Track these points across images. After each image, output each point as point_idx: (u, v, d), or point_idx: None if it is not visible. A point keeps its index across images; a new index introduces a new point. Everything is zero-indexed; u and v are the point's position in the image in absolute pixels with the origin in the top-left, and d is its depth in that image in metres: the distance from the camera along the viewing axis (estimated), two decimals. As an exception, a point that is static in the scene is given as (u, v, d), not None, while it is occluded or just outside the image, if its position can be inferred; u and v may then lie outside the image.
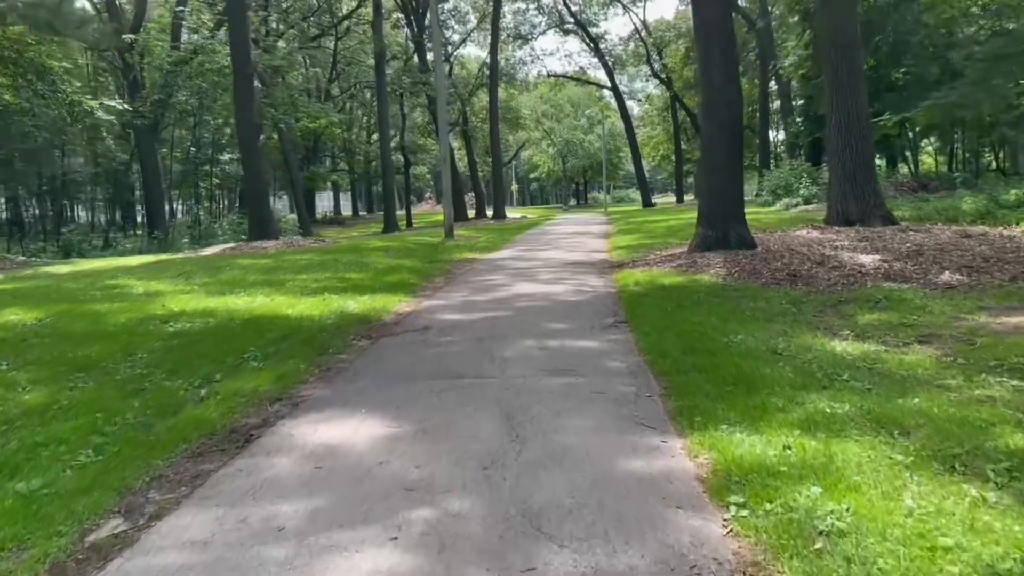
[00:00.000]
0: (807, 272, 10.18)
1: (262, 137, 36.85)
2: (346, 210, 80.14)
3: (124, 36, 22.53)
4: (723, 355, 5.94)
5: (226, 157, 31.67)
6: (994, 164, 36.76)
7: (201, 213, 28.56)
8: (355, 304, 8.98)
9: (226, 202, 45.89)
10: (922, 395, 4.85)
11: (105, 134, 25.32)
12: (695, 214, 23.54)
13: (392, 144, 54.08)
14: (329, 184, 77.86)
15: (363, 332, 7.55)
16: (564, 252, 15.82)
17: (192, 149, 28.45)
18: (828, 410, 4.53)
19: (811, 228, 14.66)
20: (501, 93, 56.69)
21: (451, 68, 54.63)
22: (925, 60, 21.99)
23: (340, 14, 48.89)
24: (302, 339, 6.99)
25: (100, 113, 20.60)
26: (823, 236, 13.34)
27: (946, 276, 9.63)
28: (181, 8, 25.84)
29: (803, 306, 8.29)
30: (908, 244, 11.92)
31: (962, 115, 16.86)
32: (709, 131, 12.09)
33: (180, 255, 17.38)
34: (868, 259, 10.88)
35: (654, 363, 5.86)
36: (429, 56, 50.01)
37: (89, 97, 21.12)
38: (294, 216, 33.76)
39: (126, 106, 21.86)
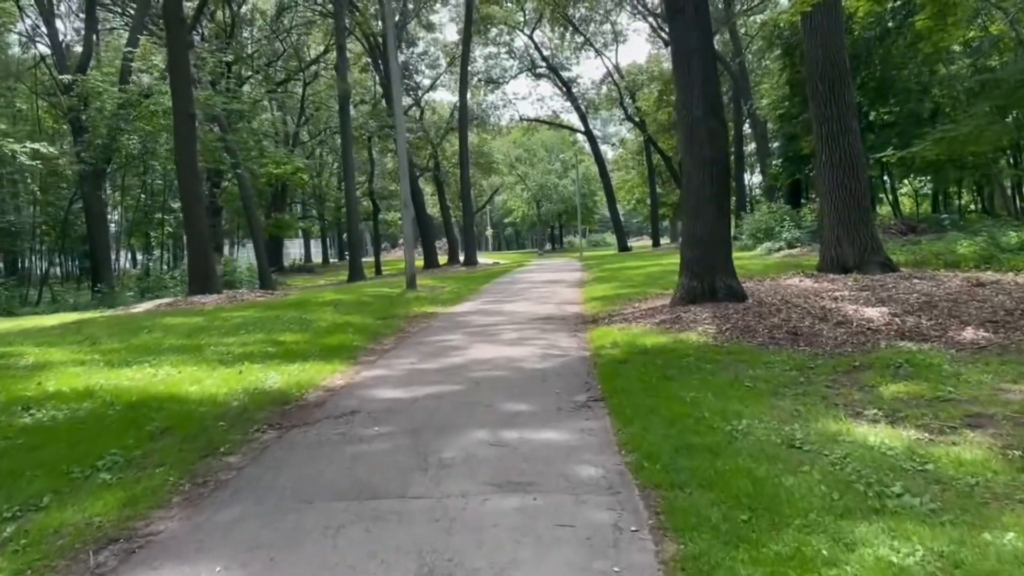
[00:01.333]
0: (809, 329, 8.83)
1: (223, 185, 35.55)
2: (317, 257, 78.64)
3: (62, 77, 21.12)
4: (729, 454, 4.51)
5: (179, 205, 30.09)
6: (974, 205, 36.24)
7: (151, 264, 26.81)
8: (277, 377, 7.46)
9: (182, 252, 44.19)
10: (1010, 520, 3.48)
11: (48, 180, 23.75)
12: (673, 260, 22.19)
13: (361, 190, 52.95)
14: (299, 231, 76.52)
15: (273, 419, 6.02)
16: (533, 304, 14.40)
17: (142, 196, 26.83)
18: (895, 560, 3.11)
19: (803, 276, 13.41)
20: (474, 138, 55.92)
21: (422, 112, 53.86)
22: (913, 96, 21.17)
23: (307, 59, 48.06)
24: (188, 433, 5.45)
25: (23, 159, 19.03)
26: (819, 285, 12.07)
27: (969, 333, 8.32)
28: (131, 49, 24.52)
29: (812, 373, 6.92)
30: (915, 294, 10.66)
31: (972, 149, 15.88)
32: (691, 169, 10.84)
33: (110, 312, 15.73)
34: (875, 312, 9.57)
35: (640, 468, 4.40)
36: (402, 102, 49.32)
37: (11, 140, 19.53)
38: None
39: (51, 150, 20.31)
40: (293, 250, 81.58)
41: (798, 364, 7.26)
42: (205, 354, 8.92)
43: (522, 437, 5.11)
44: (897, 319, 9.14)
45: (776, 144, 33.58)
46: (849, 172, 13.10)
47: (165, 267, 29.62)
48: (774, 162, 30.45)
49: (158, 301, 16.24)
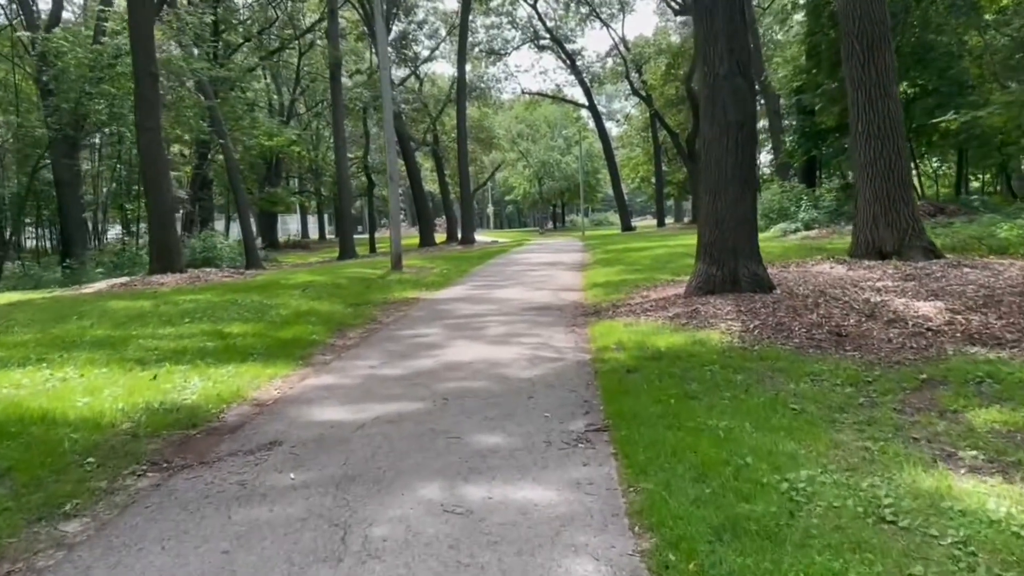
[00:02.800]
0: (856, 328, 7.29)
1: (213, 156, 33.85)
2: (316, 233, 76.96)
3: (21, 35, 19.48)
4: (795, 540, 3.01)
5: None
6: (993, 188, 34.50)
7: (126, 239, 25.14)
8: (198, 384, 5.95)
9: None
10: None
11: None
12: (682, 241, 20.64)
13: (356, 165, 51.19)
14: (297, 206, 74.85)
15: (165, 452, 4.51)
16: (528, 290, 12.85)
17: (118, 166, 25.11)
18: None
19: (833, 261, 11.83)
20: (474, 112, 54.04)
21: (421, 84, 51.96)
22: (955, 61, 19.40)
23: (303, 27, 46.10)
24: (33, 477, 3.94)
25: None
26: (854, 273, 10.51)
27: (1056, 336, 6.79)
28: (104, 8, 22.77)
29: (872, 391, 5.43)
30: (972, 286, 9.10)
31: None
32: (712, 136, 9.24)
33: (59, 292, 14.23)
34: (930, 308, 8.03)
35: (664, 568, 2.89)
36: (395, 75, 47.35)
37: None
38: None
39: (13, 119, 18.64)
40: (293, 226, 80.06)
41: (851, 376, 5.75)
42: (127, 350, 7.40)
43: (491, 497, 3.60)
44: (959, 317, 7.60)
45: (790, 120, 31.82)
46: (888, 143, 11.49)
47: (142, 241, 27.98)
48: (789, 138, 28.64)
49: (115, 280, 14.71)
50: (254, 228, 65.93)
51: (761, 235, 23.66)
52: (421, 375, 6.36)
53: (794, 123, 29.52)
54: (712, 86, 9.18)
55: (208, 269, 17.12)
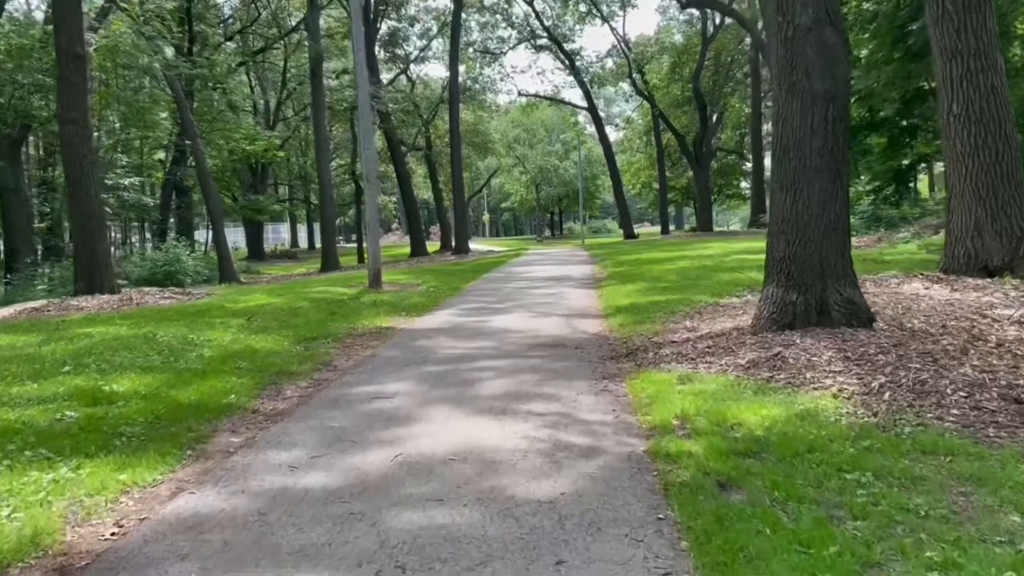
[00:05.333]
0: (1043, 391, 4.75)
1: (188, 161, 31.26)
2: (306, 242, 74.22)
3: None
4: None
5: (125, 181, 25.77)
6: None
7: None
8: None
9: (139, 235, 39.86)
10: None
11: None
12: (699, 251, 18.03)
13: (345, 170, 48.65)
14: (287, 215, 72.32)
15: None
16: (533, 316, 10.27)
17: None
18: None
19: (925, 280, 9.27)
20: (469, 115, 51.54)
21: (413, 85, 49.46)
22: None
23: (289, 26, 43.58)
24: None
25: None
26: (965, 296, 7.96)
27: None
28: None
29: None
30: None
31: None
32: (790, 111, 6.71)
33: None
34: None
35: None
36: (384, 76, 44.76)
37: None
38: (240, 251, 27.95)
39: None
40: (286, 235, 77.44)
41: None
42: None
43: None
44: None
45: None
46: (994, 128, 8.99)
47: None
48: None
49: (27, 304, 12.10)
50: (234, 239, 63.29)
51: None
52: (366, 492, 3.78)
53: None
54: (789, 42, 6.64)
55: (149, 289, 14.48)
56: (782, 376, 5.55)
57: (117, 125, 23.83)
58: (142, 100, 21.54)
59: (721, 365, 6.03)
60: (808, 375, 5.48)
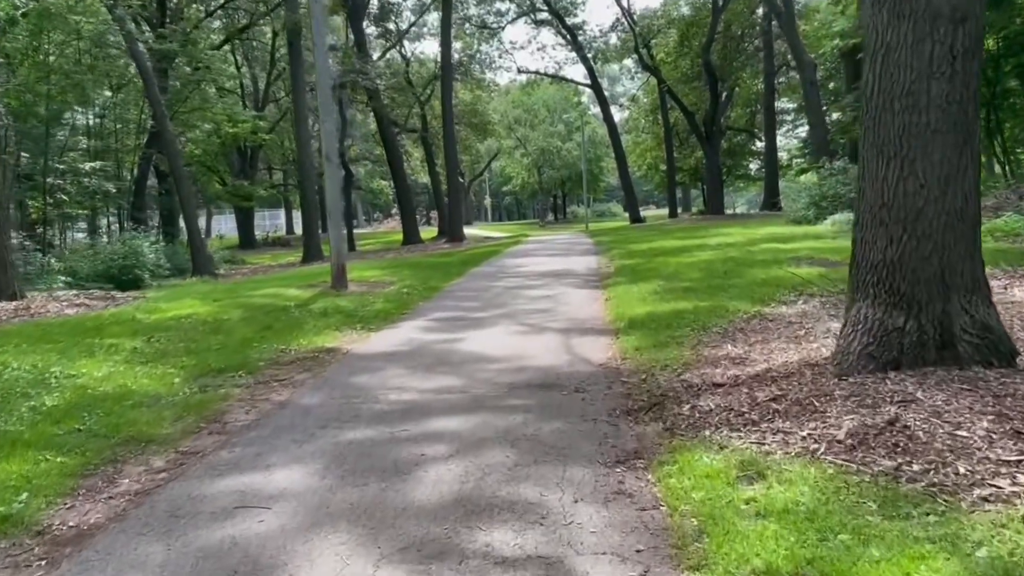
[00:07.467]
0: None
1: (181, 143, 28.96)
2: (300, 229, 72.03)
3: None
4: None
5: (86, 166, 23.51)
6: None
7: (29, 244, 20.11)
8: None
9: (118, 225, 37.58)
10: None
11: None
12: (719, 238, 15.65)
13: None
14: (282, 201, 69.88)
15: None
16: (520, 333, 8.00)
17: (8, 152, 19.89)
18: None
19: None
20: (467, 95, 49.10)
21: (408, 64, 46.97)
22: None
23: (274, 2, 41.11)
24: None
25: None
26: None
27: None
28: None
29: None
30: None
31: None
32: (896, 43, 4.44)
33: None
34: None
35: None
36: (374, 55, 42.25)
37: None
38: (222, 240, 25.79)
39: None
40: (282, 222, 75.04)
41: None
42: None
43: None
44: None
45: (832, 87, 26.91)
46: None
47: (55, 249, 23.14)
48: (844, 102, 23.46)
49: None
50: (224, 226, 60.71)
51: (813, 229, 18.65)
52: None
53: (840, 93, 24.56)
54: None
55: (64, 293, 12.24)
56: (915, 468, 3.31)
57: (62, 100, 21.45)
58: (80, 72, 19.17)
59: (804, 439, 3.79)
60: (962, 467, 3.25)
